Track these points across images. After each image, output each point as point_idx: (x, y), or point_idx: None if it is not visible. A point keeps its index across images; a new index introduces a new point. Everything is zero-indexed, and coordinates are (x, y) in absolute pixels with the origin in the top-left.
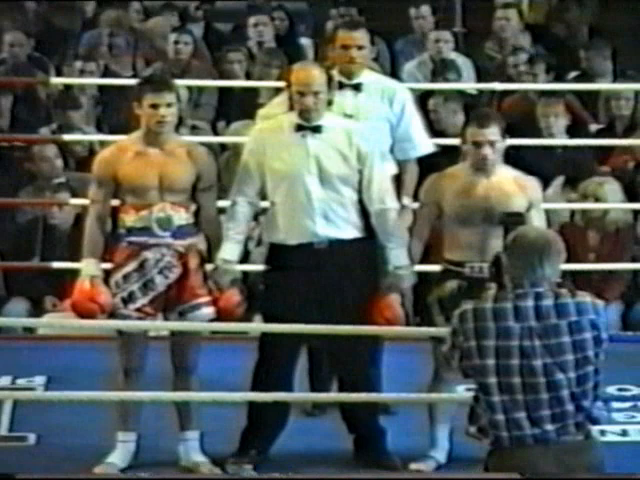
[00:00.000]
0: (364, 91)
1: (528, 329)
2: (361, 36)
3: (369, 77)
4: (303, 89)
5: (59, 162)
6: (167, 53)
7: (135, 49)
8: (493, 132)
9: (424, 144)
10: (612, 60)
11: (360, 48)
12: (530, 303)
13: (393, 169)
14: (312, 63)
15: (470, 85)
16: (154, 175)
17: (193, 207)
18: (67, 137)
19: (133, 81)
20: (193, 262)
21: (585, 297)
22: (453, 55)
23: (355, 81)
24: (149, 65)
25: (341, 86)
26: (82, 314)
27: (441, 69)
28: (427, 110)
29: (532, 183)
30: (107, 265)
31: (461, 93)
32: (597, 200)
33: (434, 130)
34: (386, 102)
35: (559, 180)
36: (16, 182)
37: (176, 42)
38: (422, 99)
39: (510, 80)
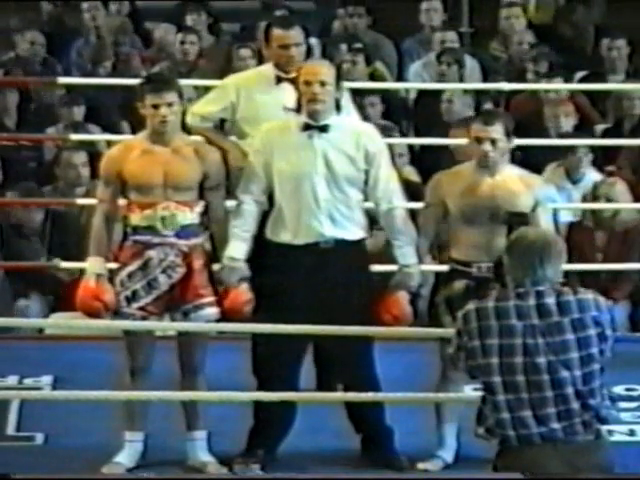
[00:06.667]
0: None
1: (531, 327)
2: (296, 34)
3: None
4: (310, 78)
5: (86, 171)
6: (173, 54)
7: (141, 50)
8: (496, 130)
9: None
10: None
11: (297, 45)
12: (532, 302)
13: None
14: (320, 59)
15: (477, 85)
16: (159, 173)
17: (199, 207)
18: (74, 136)
19: (138, 81)
20: (197, 262)
21: (587, 294)
22: None
23: (294, 75)
24: (154, 65)
25: (279, 80)
26: (87, 312)
27: (445, 58)
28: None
29: (538, 182)
30: (114, 264)
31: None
32: (609, 201)
33: (441, 121)
34: None
35: (552, 165)
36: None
37: (182, 42)
38: (429, 97)
39: (518, 77)
